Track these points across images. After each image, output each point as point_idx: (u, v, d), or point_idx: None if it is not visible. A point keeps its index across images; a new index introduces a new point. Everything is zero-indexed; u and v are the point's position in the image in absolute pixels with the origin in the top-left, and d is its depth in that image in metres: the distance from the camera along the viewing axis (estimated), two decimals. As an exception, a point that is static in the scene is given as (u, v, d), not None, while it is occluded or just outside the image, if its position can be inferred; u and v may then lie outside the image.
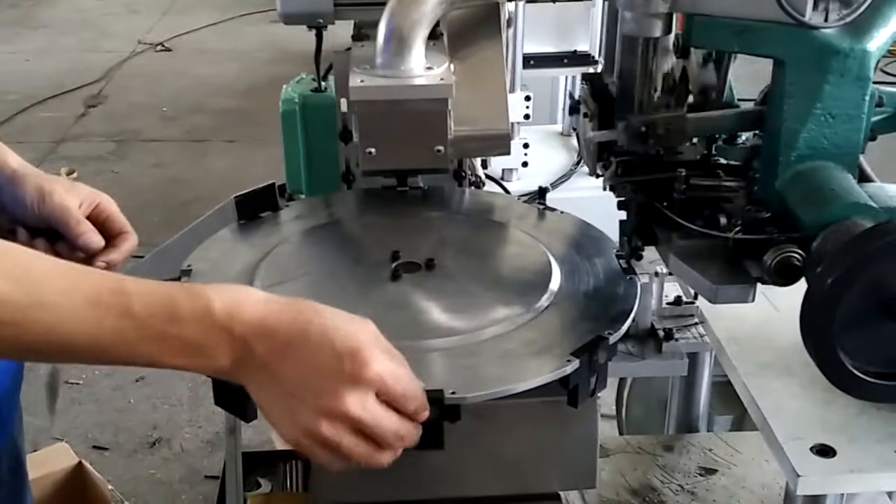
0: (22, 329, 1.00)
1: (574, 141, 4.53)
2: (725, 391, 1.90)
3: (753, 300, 1.30)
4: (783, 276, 1.25)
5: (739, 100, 1.51)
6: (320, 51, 1.93)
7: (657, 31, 1.39)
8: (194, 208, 5.21)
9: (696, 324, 1.57)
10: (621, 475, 1.82)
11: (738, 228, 1.30)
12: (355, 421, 1.07)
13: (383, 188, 1.80)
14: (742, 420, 2.09)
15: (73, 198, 1.46)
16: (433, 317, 1.44)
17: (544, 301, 1.44)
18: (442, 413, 1.24)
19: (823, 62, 1.32)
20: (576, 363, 1.30)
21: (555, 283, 1.49)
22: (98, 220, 1.48)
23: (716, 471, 1.86)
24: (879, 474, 1.36)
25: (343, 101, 1.86)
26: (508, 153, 1.76)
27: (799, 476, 1.34)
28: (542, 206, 1.75)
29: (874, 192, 1.40)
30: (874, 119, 1.41)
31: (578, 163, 4.39)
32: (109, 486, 2.61)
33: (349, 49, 1.94)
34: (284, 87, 1.91)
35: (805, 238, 1.27)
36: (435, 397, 1.23)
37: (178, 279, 1.52)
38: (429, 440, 1.25)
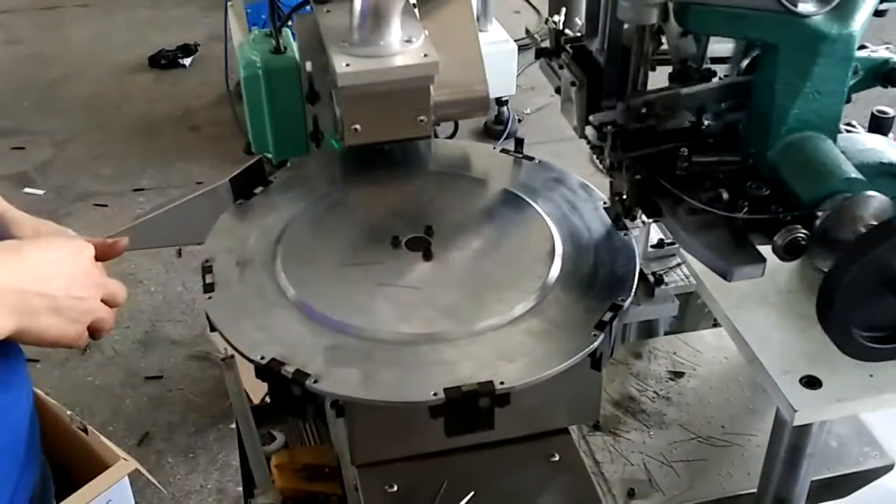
0: None
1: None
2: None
3: (762, 275, 1.44)
4: (791, 254, 1.39)
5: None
6: (274, 9, 1.91)
7: (653, 19, 1.46)
8: (63, 88, 5.01)
9: (680, 264, 1.70)
10: (603, 389, 1.97)
11: (745, 208, 1.42)
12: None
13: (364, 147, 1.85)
14: (686, 307, 2.25)
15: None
16: (461, 304, 1.51)
17: (555, 273, 1.56)
18: (493, 401, 1.39)
19: (813, 47, 1.43)
20: (601, 336, 1.44)
21: (559, 252, 1.59)
22: None
23: (683, 374, 2.03)
24: (862, 400, 1.53)
25: (308, 64, 1.88)
26: (487, 114, 1.83)
27: (796, 411, 1.52)
28: (520, 156, 1.83)
29: (845, 145, 1.55)
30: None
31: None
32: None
33: (304, 3, 1.94)
34: (239, 46, 1.89)
35: (805, 215, 1.41)
36: (486, 390, 1.37)
37: (203, 276, 1.57)
38: (483, 423, 1.40)
